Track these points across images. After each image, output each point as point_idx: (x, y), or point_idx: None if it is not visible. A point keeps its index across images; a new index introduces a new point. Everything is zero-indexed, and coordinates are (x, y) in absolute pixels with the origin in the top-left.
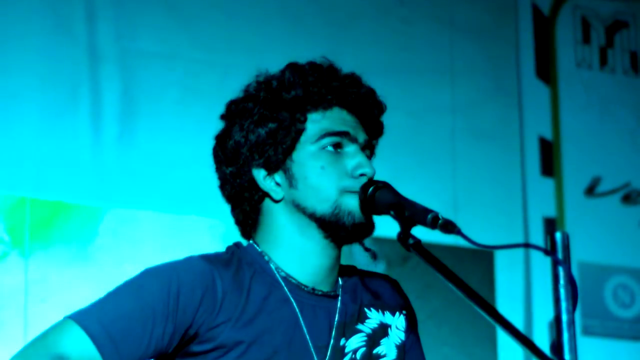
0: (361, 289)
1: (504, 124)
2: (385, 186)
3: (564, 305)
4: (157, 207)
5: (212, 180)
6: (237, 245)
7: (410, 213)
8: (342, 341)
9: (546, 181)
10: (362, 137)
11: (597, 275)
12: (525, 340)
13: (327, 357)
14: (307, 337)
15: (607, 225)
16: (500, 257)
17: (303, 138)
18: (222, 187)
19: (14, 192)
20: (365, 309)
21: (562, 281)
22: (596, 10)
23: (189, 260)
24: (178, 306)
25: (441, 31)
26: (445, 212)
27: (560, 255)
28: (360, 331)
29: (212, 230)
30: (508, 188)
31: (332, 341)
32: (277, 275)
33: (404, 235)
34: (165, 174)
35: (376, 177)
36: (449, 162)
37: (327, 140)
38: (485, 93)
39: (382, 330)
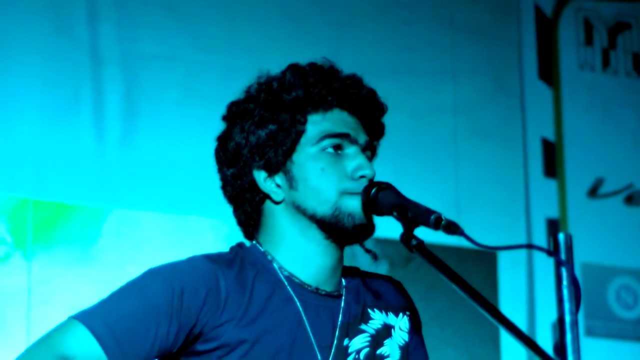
0: (364, 290)
1: (506, 125)
2: (388, 187)
3: (567, 306)
4: (160, 208)
5: (214, 180)
6: (240, 245)
7: (413, 214)
8: (346, 341)
9: (549, 182)
10: (362, 138)
11: (600, 276)
12: (528, 341)
13: (331, 357)
14: (311, 336)
15: (610, 226)
16: (503, 258)
17: (303, 140)
18: (224, 188)
19: (16, 193)
20: (369, 310)
21: (565, 282)
22: (599, 12)
23: (192, 260)
24: (182, 305)
25: (442, 32)
26: (447, 213)
27: (563, 256)
28: (363, 331)
29: (214, 230)
30: (511, 189)
31: (335, 341)
32: (281, 274)
33: (407, 236)
34: (168, 175)
35: (378, 178)
36: (452, 163)
37: (328, 142)
38: (488, 94)
39: (386, 331)
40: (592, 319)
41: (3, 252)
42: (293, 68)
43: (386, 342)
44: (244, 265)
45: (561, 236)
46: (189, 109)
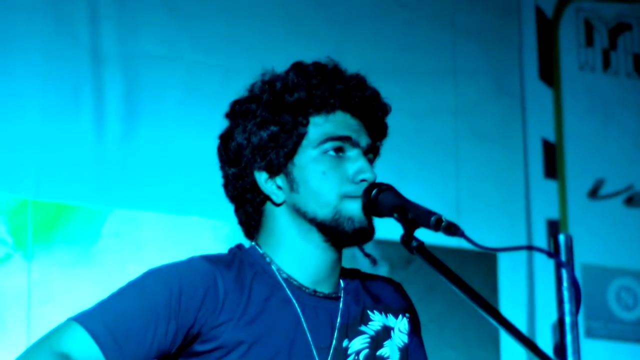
0: (364, 292)
1: (506, 125)
2: (388, 188)
3: (567, 307)
4: (160, 208)
5: (214, 181)
6: (239, 247)
7: (413, 215)
8: (345, 342)
9: (549, 183)
10: (364, 141)
11: (600, 278)
12: (528, 343)
13: (329, 358)
14: (309, 337)
15: (610, 227)
16: (503, 260)
17: (305, 142)
18: (226, 187)
19: (16, 194)
20: (368, 311)
21: (565, 283)
22: (599, 13)
23: (191, 260)
24: (180, 306)
25: (443, 32)
26: (448, 214)
27: (563, 257)
28: (363, 332)
29: (214, 231)
30: (511, 190)
31: (334, 342)
32: (279, 276)
33: (407, 238)
34: (168, 175)
35: (379, 179)
36: (452, 164)
37: (329, 144)
38: (488, 95)
39: (385, 333)
40: (592, 320)
41: (3, 252)
42: (296, 68)
43: (386, 343)
44: (242, 267)
45: (561, 237)
46: (189, 109)
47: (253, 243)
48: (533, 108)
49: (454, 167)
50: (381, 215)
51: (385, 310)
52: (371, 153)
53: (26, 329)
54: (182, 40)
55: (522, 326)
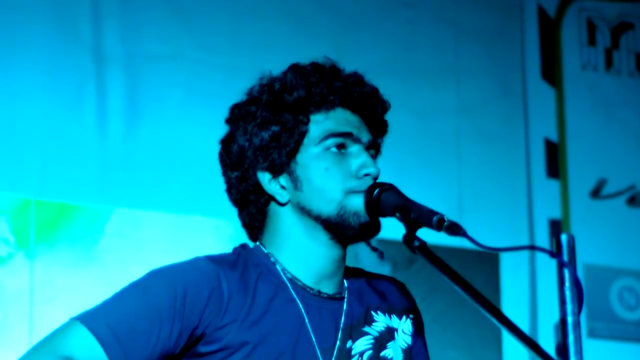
0: (368, 292)
1: (509, 125)
2: (390, 188)
3: (569, 307)
4: (163, 208)
5: (217, 180)
6: (243, 246)
7: (415, 215)
8: (349, 343)
9: (551, 183)
10: (366, 137)
11: (603, 278)
12: (530, 343)
13: (333, 359)
14: (313, 338)
15: (613, 227)
16: (505, 259)
17: (306, 140)
18: (229, 191)
19: (19, 193)
20: (372, 312)
21: (567, 283)
22: (601, 12)
23: (195, 261)
24: (185, 307)
25: (446, 32)
26: (450, 214)
27: (565, 257)
28: (367, 334)
29: (217, 230)
30: (513, 190)
31: (338, 343)
32: (284, 276)
33: (410, 238)
34: (170, 175)
35: (381, 179)
36: (454, 163)
37: (331, 141)
38: (491, 94)
39: (389, 334)
40: (595, 320)
41: (5, 252)
42: (294, 68)
43: (389, 344)
44: (247, 267)
45: (564, 237)
46: (192, 108)
47: (258, 243)
48: (535, 107)
49: (456, 167)
50: (383, 215)
51: (389, 311)
52: (373, 149)
53: (28, 329)
54: (184, 40)
55: (524, 326)
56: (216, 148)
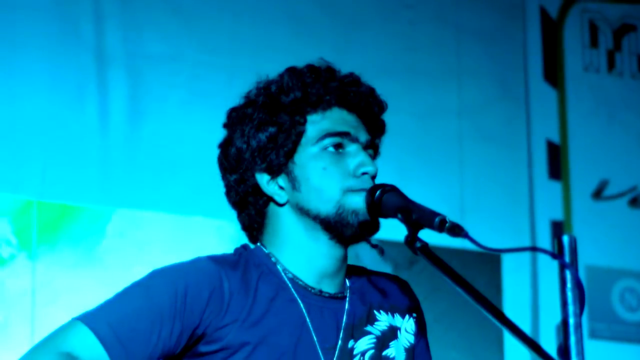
0: (370, 291)
1: (511, 126)
2: (392, 189)
3: (571, 308)
4: (165, 209)
5: (218, 181)
6: (244, 247)
7: (417, 216)
8: (351, 343)
9: (553, 184)
10: (363, 136)
11: (604, 279)
12: (532, 344)
13: (335, 359)
14: (315, 338)
15: (615, 228)
16: (507, 261)
17: (304, 140)
18: (228, 194)
19: (21, 194)
20: (375, 311)
21: (569, 284)
22: (604, 14)
23: (197, 261)
24: (185, 306)
25: (448, 33)
26: (452, 215)
27: (567, 258)
28: (369, 333)
29: (219, 231)
30: (515, 191)
31: (339, 342)
32: (284, 276)
33: (411, 239)
34: (172, 176)
35: (383, 180)
36: (456, 165)
37: (328, 141)
38: (493, 96)
39: (392, 333)
40: (596, 321)
41: (8, 253)
42: (290, 70)
43: (392, 343)
44: (248, 267)
45: (565, 238)
46: (193, 109)
47: (258, 244)
48: (537, 109)
49: (458, 168)
50: (385, 216)
51: (391, 309)
52: (371, 149)
53: (30, 330)
54: (186, 40)
55: (526, 327)
56: (218, 149)
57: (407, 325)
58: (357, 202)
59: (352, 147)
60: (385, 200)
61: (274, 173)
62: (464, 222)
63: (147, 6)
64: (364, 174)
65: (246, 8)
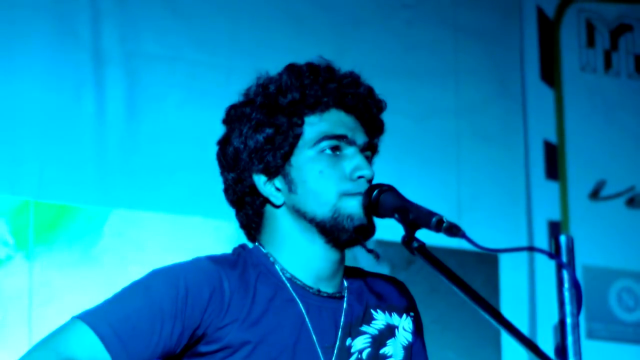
0: (367, 291)
1: (508, 127)
2: (389, 189)
3: (568, 308)
4: (162, 209)
5: (216, 181)
6: (243, 247)
7: (414, 216)
8: (349, 341)
9: (551, 184)
10: (361, 138)
11: (602, 279)
12: (529, 344)
13: (334, 357)
14: (314, 337)
15: (612, 228)
16: (504, 261)
17: (301, 142)
18: (226, 192)
19: (18, 195)
20: (372, 310)
21: (566, 284)
22: (601, 14)
23: (196, 261)
24: (186, 306)
25: (445, 34)
26: (449, 215)
27: (564, 258)
28: (364, 332)
29: (217, 231)
30: (512, 191)
31: (338, 342)
32: (283, 276)
33: (409, 239)
34: (170, 175)
35: (380, 180)
36: (453, 165)
37: (325, 143)
38: (490, 96)
39: (389, 331)
40: (594, 321)
41: (4, 253)
42: (289, 69)
43: (389, 342)
44: (246, 267)
45: (562, 238)
46: (191, 109)
47: (257, 243)
48: (534, 109)
49: (455, 168)
50: (382, 216)
51: (389, 309)
52: (369, 151)
53: (27, 330)
54: (184, 40)
55: (523, 327)
56: (215, 149)
57: (404, 324)
58: (353, 206)
59: (349, 150)
60: (382, 200)
61: (270, 174)
62: (461, 222)
63: (145, 5)
64: (360, 177)
65: (244, 8)
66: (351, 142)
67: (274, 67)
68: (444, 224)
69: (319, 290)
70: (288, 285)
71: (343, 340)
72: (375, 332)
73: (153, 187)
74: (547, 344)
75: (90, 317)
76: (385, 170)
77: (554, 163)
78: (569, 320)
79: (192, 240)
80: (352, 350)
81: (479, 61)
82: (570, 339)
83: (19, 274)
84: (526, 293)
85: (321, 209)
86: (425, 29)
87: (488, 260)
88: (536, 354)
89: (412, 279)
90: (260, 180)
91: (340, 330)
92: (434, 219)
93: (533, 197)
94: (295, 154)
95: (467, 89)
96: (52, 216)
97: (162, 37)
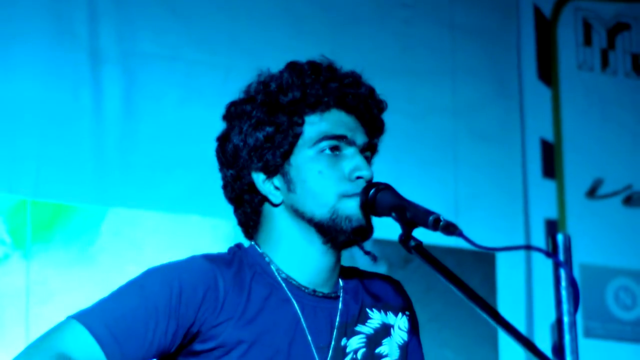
0: (363, 290)
1: (505, 125)
2: (386, 188)
3: (565, 307)
4: (159, 208)
5: (214, 180)
6: (238, 246)
7: (411, 215)
8: (344, 341)
9: (548, 183)
10: (361, 139)
11: (599, 277)
12: (526, 342)
13: (329, 358)
14: (309, 337)
15: (609, 227)
16: (501, 259)
17: (301, 141)
18: (225, 188)
19: (15, 193)
20: (367, 310)
21: (563, 283)
22: (598, 12)
23: (191, 259)
24: (180, 304)
25: (442, 33)
26: (446, 214)
27: (561, 257)
28: (359, 332)
29: (214, 230)
30: (509, 190)
31: (333, 342)
32: (278, 276)
33: (406, 238)
34: (167, 175)
35: (377, 179)
36: (450, 163)
37: (325, 143)
38: (487, 95)
39: (385, 331)
40: (591, 320)
41: (2, 252)
42: (291, 68)
43: (385, 341)
44: (242, 266)
45: (560, 237)
46: (189, 108)
47: (252, 243)
48: (531, 108)
49: (452, 167)
50: (379, 214)
51: (384, 308)
52: (369, 151)
53: (25, 329)
54: (182, 40)
55: (520, 326)
56: (213, 148)
57: (400, 323)
58: (351, 207)
59: (348, 150)
60: (379, 198)
61: (269, 173)
62: (458, 220)
63: (142, 4)
64: (358, 178)
65: (242, 7)
66: (351, 143)
67: (273, 66)
68: (441, 223)
69: (314, 291)
70: (283, 285)
71: (338, 340)
72: (371, 331)
73: (150, 186)
74: (544, 343)
75: (85, 317)
76: (383, 169)
77: (551, 161)
78: (566, 319)
79: (190, 239)
80: (347, 350)
81: (476, 60)
82: (567, 338)
83: (16, 273)
84: (523, 291)
85: (320, 210)
86: (423, 28)
87: (485, 258)
88: (533, 353)
89: (409, 278)
90: (259, 178)
91: (335, 330)
92: (431, 218)
93: (530, 196)
94: (294, 153)
95: (465, 87)
96: (49, 215)
97: (160, 35)
